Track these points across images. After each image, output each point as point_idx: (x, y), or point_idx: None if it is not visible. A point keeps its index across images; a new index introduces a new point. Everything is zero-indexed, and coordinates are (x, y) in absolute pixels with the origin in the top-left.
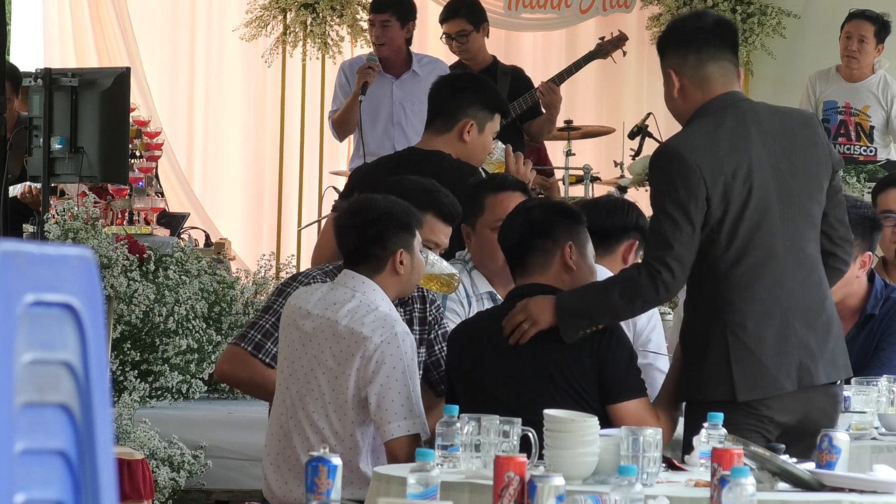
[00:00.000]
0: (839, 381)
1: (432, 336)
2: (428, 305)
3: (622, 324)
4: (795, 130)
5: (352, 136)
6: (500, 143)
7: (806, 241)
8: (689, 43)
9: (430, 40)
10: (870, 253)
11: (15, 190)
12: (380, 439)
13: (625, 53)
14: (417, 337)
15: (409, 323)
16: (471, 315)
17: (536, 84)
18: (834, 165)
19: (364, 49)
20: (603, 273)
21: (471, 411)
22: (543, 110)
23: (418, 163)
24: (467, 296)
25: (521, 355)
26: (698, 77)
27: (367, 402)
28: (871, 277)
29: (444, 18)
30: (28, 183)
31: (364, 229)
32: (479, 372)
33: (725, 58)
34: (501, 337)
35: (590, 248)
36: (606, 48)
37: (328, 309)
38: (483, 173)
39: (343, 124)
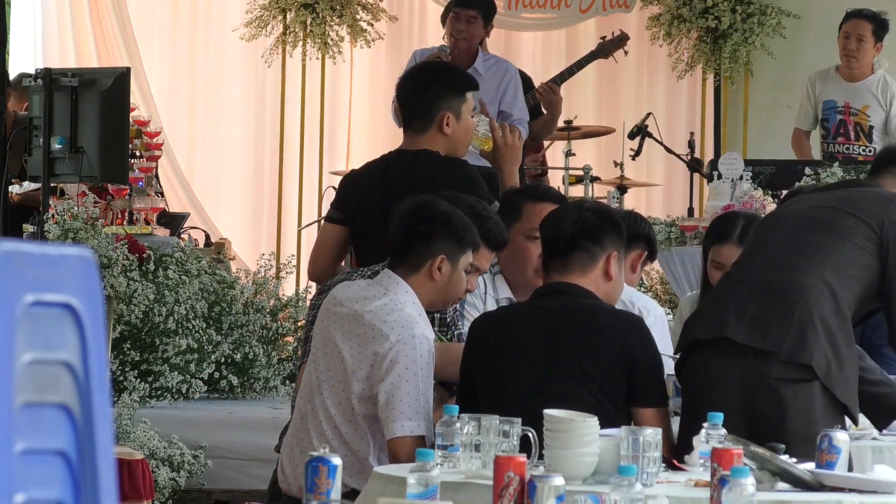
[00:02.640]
0: (802, 381)
1: (449, 337)
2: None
3: None
4: (865, 192)
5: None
6: (483, 116)
7: (811, 247)
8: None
9: (430, 40)
10: None
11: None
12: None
13: (626, 53)
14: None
15: (430, 324)
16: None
17: (537, 85)
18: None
19: (363, 49)
20: None
21: (490, 407)
22: (544, 111)
23: (407, 164)
24: (485, 294)
25: (547, 352)
26: None
27: (377, 399)
28: None
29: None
30: (11, 188)
31: (416, 224)
32: (501, 367)
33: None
34: (526, 333)
35: (622, 265)
36: (608, 48)
37: (358, 303)
38: (472, 161)
39: None
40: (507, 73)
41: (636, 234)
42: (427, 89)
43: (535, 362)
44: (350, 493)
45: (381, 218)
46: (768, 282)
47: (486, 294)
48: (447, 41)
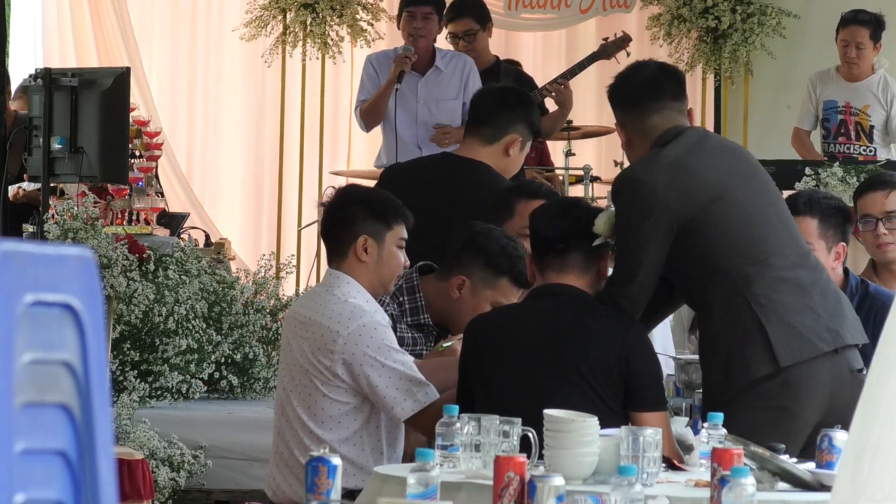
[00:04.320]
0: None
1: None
2: None
3: None
4: (745, 153)
5: (380, 131)
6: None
7: (790, 220)
8: (627, 99)
9: None
10: (843, 244)
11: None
12: (365, 427)
13: (628, 54)
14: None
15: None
16: None
17: (538, 84)
18: None
19: (363, 49)
20: None
21: (485, 406)
22: (555, 107)
23: (458, 168)
24: None
25: (543, 353)
26: (641, 129)
27: (354, 391)
28: (844, 271)
29: (452, 18)
30: (19, 185)
31: (334, 211)
32: (498, 369)
33: (667, 107)
34: (522, 334)
35: None
36: (610, 49)
37: (305, 306)
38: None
39: (373, 113)
40: (465, 65)
41: None
42: (513, 108)
43: (532, 364)
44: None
45: (427, 217)
46: (815, 281)
47: None
48: (407, 41)
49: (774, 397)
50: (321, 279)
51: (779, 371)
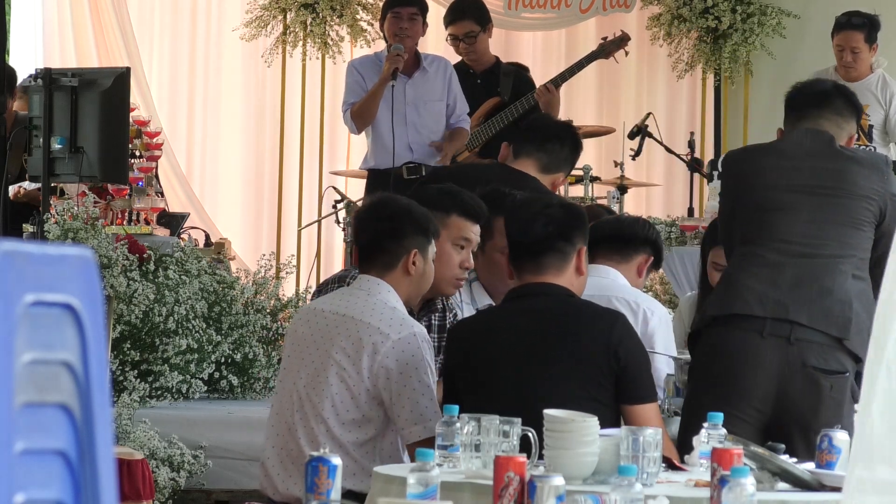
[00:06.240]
0: (838, 373)
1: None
2: (447, 313)
3: (631, 322)
4: (847, 156)
5: (367, 132)
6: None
7: (834, 226)
8: (791, 102)
9: (429, 39)
10: None
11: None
12: (384, 435)
13: (627, 53)
14: (436, 345)
15: (429, 329)
16: None
17: (538, 84)
18: (884, 195)
19: (363, 49)
20: (616, 278)
21: (475, 410)
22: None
23: (511, 179)
24: (461, 303)
25: (531, 354)
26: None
27: (384, 400)
28: None
29: (452, 20)
30: (20, 184)
31: (382, 222)
32: (486, 373)
33: (824, 117)
34: (508, 336)
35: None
36: (609, 48)
37: (342, 307)
38: None
39: (365, 114)
40: (447, 68)
41: (644, 239)
42: (569, 147)
43: (521, 366)
44: (346, 494)
45: None
46: (812, 279)
47: (463, 303)
48: (392, 41)
49: (701, 356)
50: (353, 284)
51: (703, 333)
